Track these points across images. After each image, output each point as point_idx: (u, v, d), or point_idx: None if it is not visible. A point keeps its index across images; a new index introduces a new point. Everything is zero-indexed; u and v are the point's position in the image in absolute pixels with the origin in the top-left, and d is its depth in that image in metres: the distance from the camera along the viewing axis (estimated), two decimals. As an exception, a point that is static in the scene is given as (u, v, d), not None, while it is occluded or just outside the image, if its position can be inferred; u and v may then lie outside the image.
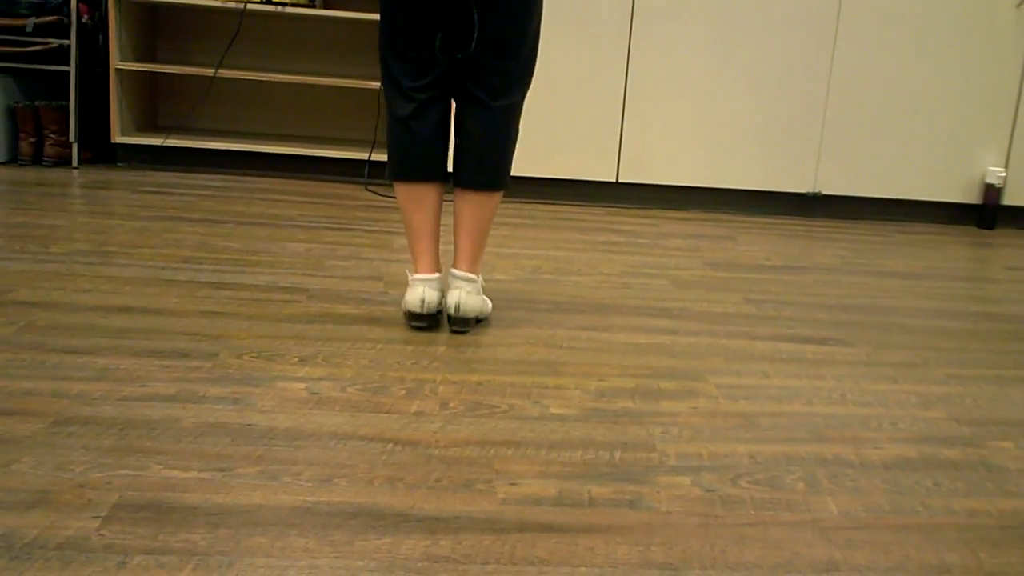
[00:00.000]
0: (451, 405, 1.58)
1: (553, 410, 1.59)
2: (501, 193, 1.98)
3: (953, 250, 3.33)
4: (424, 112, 1.91)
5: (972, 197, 3.78)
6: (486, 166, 1.94)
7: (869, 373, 1.91)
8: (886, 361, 1.99)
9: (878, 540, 1.24)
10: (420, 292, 1.93)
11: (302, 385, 1.61)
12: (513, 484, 1.31)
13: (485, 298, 2.05)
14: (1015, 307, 2.56)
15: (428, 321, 1.96)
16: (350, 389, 1.61)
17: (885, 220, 3.84)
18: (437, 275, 1.97)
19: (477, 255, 1.98)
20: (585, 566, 1.12)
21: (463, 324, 1.95)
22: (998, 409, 1.76)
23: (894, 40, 3.63)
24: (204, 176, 3.69)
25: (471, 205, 1.95)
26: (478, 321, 2.03)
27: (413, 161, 1.93)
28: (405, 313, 1.97)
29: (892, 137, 3.71)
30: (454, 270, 1.96)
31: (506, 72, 1.91)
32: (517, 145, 2.02)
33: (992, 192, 3.72)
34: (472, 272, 1.97)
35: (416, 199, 1.95)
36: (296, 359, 1.74)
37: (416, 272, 1.97)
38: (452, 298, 1.94)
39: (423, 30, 1.86)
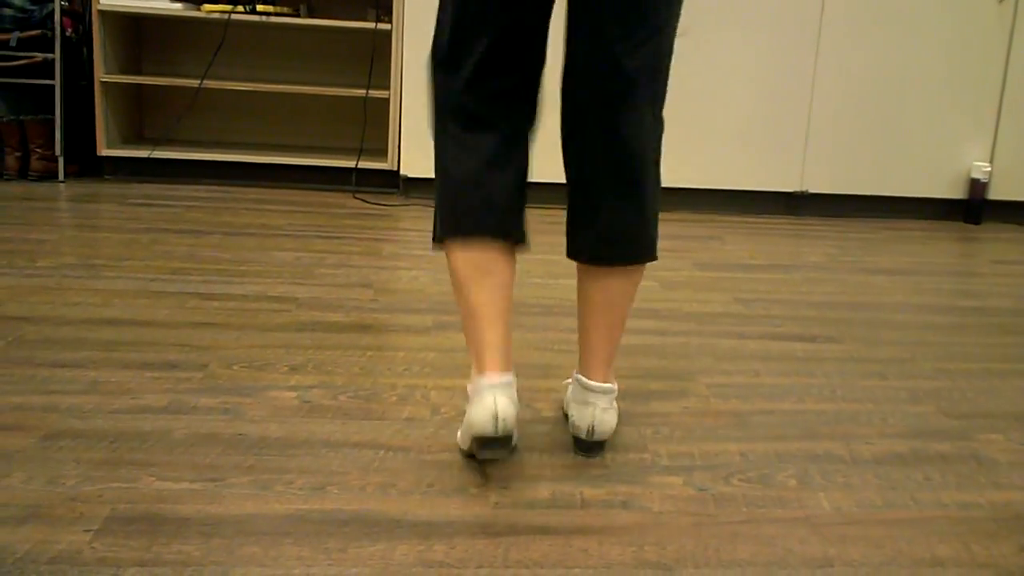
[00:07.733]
0: (442, 410, 1.58)
1: (545, 413, 1.59)
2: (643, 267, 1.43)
3: (940, 245, 3.34)
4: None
5: (958, 192, 3.80)
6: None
7: (858, 369, 1.92)
8: (875, 357, 2.00)
9: (870, 535, 1.24)
10: (491, 404, 1.26)
11: (293, 394, 1.61)
12: (506, 488, 1.32)
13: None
14: (1002, 301, 2.58)
15: (505, 448, 1.29)
16: (341, 397, 1.61)
17: (872, 217, 3.85)
18: (511, 377, 1.32)
19: (613, 355, 1.45)
20: (579, 567, 1.12)
21: (597, 449, 1.44)
22: (987, 402, 1.76)
23: (877, 37, 3.65)
24: (191, 187, 3.68)
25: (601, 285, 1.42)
26: None
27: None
28: (473, 440, 1.30)
29: (877, 134, 3.73)
30: (584, 379, 1.43)
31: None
32: None
33: (978, 187, 3.74)
34: (609, 381, 1.44)
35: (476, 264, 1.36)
36: (286, 368, 1.74)
37: (482, 372, 1.32)
38: (586, 417, 1.41)
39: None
